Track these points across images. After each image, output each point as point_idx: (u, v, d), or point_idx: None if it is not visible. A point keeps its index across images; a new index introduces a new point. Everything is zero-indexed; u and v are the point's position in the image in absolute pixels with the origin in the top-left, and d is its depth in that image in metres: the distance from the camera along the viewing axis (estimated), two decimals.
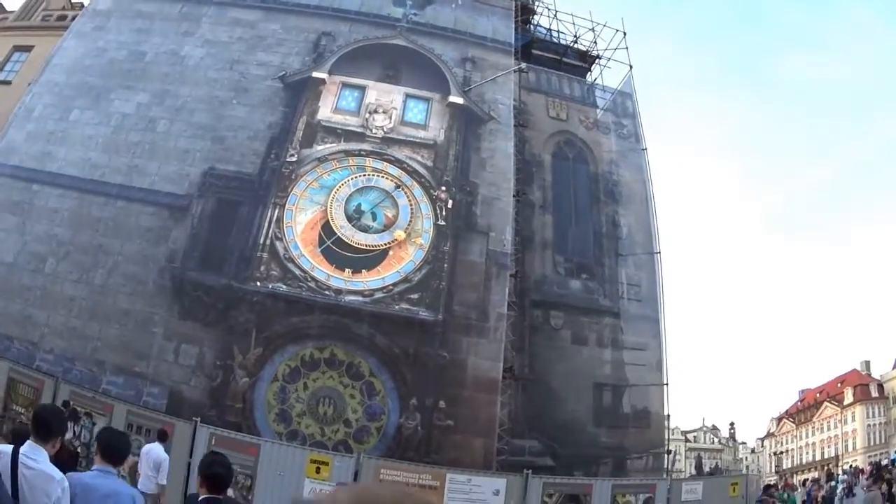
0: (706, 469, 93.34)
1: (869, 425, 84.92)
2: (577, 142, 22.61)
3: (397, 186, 18.60)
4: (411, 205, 18.52)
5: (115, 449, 4.74)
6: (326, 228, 18.15)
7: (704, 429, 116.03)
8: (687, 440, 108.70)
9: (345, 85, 20.00)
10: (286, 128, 19.17)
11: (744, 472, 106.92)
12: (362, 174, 18.79)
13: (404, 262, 17.97)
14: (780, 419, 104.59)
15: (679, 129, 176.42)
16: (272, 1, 21.25)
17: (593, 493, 15.97)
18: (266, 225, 18.09)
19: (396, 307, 17.69)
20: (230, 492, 9.50)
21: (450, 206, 18.57)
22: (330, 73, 19.99)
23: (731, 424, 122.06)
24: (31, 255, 18.67)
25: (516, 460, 18.07)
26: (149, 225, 18.54)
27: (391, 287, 17.74)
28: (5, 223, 19.28)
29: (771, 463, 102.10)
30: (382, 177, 18.79)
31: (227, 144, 19.08)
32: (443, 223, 18.43)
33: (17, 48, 23.95)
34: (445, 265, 18.03)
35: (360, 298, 17.67)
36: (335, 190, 18.50)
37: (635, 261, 21.64)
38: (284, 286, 17.67)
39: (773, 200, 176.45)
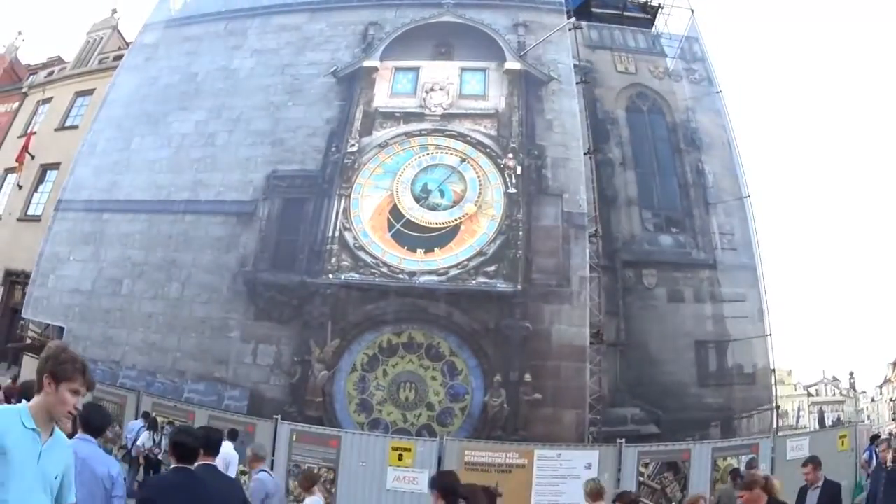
0: (828, 423, 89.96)
1: None
2: (650, 93, 22.57)
3: (462, 160, 18.92)
4: (479, 177, 18.82)
5: (91, 420, 5.47)
6: (395, 212, 18.68)
7: (825, 381, 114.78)
8: (809, 394, 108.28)
9: (398, 69, 20.72)
10: (344, 120, 19.89)
11: (865, 422, 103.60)
12: (425, 153, 19.21)
13: (477, 235, 18.25)
14: (895, 364, 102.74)
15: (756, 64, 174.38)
16: (316, 2, 22.53)
17: (692, 458, 15.89)
18: (333, 217, 18.80)
19: (473, 282, 17.91)
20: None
21: (519, 172, 18.70)
22: (381, 60, 20.80)
23: (851, 374, 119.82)
24: (108, 280, 20.25)
25: (617, 430, 17.78)
26: (218, 234, 19.59)
27: (466, 262, 18.05)
28: (81, 255, 21.02)
29: (889, 412, 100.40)
30: (446, 153, 19.19)
31: (287, 146, 19.97)
32: (513, 191, 18.56)
33: (80, 93, 26.10)
34: (520, 233, 18.19)
35: (435, 278, 18.03)
36: (400, 173, 19.01)
37: (725, 208, 21.13)
38: (357, 275, 18.22)
39: None
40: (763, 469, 16.22)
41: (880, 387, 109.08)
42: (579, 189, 18.75)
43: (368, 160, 19.46)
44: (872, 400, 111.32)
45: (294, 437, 16.31)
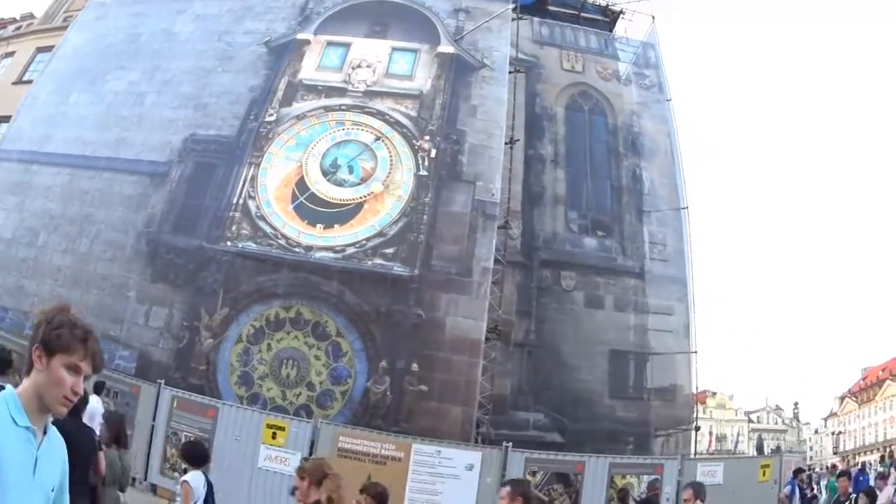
0: (767, 451, 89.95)
1: None
2: (594, 93, 21.48)
3: (377, 139, 17.79)
4: (391, 156, 17.73)
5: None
6: (301, 184, 17.66)
7: (767, 409, 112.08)
8: (750, 420, 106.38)
9: (329, 44, 19.79)
10: (267, 89, 19.00)
11: (807, 453, 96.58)
12: (341, 129, 18.23)
13: (380, 215, 17.09)
14: (842, 398, 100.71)
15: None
16: None
17: (585, 471, 14.35)
18: (240, 184, 17.88)
19: (369, 263, 16.80)
20: None
21: (433, 155, 17.68)
22: (315, 34, 19.87)
23: (795, 404, 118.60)
24: (27, 230, 19.43)
25: (518, 435, 16.49)
26: (130, 193, 18.56)
27: (364, 242, 16.93)
28: (6, 204, 20.23)
29: (832, 445, 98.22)
30: (362, 130, 18.17)
31: (209, 111, 19.10)
32: (425, 173, 17.49)
33: (40, 49, 25.74)
34: (425, 217, 17.07)
35: (331, 255, 16.93)
36: (312, 146, 18.03)
37: (659, 217, 19.91)
38: (254, 245, 17.23)
39: None
40: (667, 492, 14.67)
41: (825, 419, 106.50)
42: (495, 178, 17.46)
43: (283, 131, 18.49)
44: (816, 432, 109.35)
45: (175, 403, 15.08)
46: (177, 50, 20.62)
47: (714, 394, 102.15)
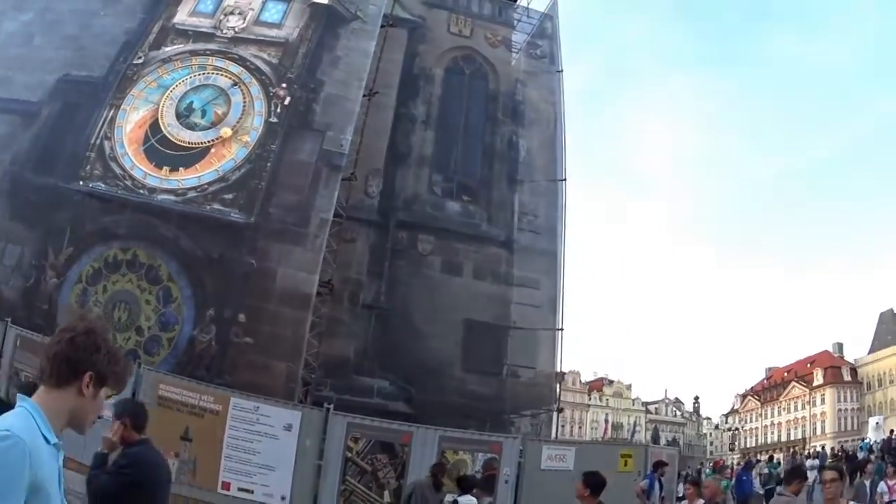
0: (663, 442, 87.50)
1: (840, 409, 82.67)
2: (479, 58, 20.11)
3: (234, 84, 16.74)
4: (245, 102, 16.72)
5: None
6: (154, 127, 16.74)
7: (666, 401, 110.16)
8: (648, 411, 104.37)
9: None
10: (140, 33, 18.12)
11: (707, 448, 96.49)
12: (202, 73, 17.28)
13: (225, 160, 16.06)
14: (744, 396, 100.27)
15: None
16: None
17: (413, 443, 12.96)
18: (100, 125, 17.00)
19: (207, 207, 15.79)
20: None
21: (287, 103, 16.65)
22: None
23: (696, 398, 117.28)
24: None
25: (362, 402, 15.45)
26: (2, 132, 18.74)
27: (206, 186, 15.92)
28: None
29: (729, 440, 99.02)
30: (221, 75, 17.20)
31: (86, 52, 18.12)
32: (275, 120, 16.47)
33: None
34: (268, 164, 16.02)
35: (173, 198, 15.96)
36: (171, 89, 17.10)
37: (533, 187, 18.58)
38: (103, 185, 16.31)
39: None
40: (506, 473, 13.24)
41: (726, 416, 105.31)
42: (346, 129, 16.18)
43: (147, 73, 17.57)
44: (717, 427, 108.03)
45: (18, 342, 14.15)
46: None
47: (611, 382, 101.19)
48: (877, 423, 42.89)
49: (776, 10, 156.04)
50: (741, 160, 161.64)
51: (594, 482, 6.46)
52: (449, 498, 11.08)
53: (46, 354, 2.22)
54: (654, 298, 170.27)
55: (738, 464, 39.72)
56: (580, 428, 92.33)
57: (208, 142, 16.45)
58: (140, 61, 17.70)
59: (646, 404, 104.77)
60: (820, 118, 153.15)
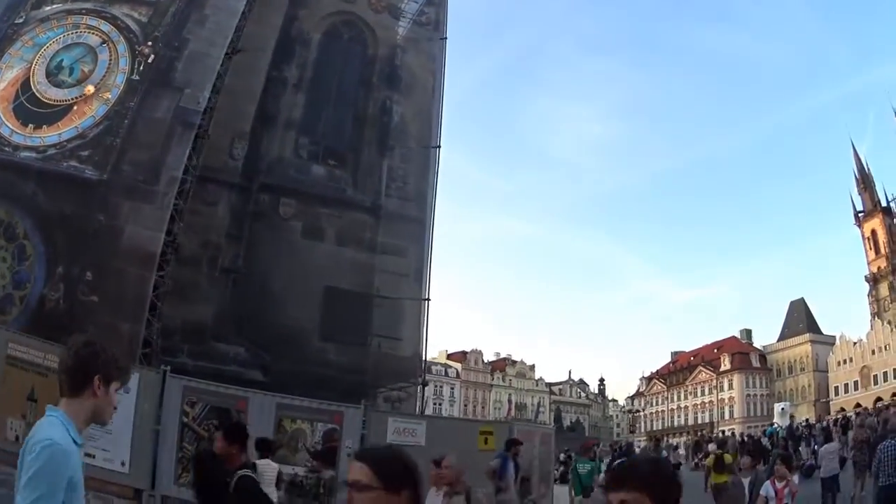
0: (566, 423, 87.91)
1: (748, 395, 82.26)
2: (359, 23, 18.95)
3: (103, 42, 16.02)
4: (111, 60, 15.85)
5: None
6: (24, 85, 15.87)
7: (571, 382, 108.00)
8: (552, 392, 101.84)
9: None
10: None
11: (614, 430, 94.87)
12: (75, 31, 16.40)
13: (85, 117, 15.21)
14: (650, 379, 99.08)
15: None
16: None
17: (249, 409, 11.76)
18: None
19: (65, 165, 14.95)
20: None
21: (150, 60, 15.82)
22: None
23: (601, 380, 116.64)
24: None
25: (217, 368, 14.58)
26: None
27: (66, 143, 15.03)
28: None
29: (632, 422, 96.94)
30: (93, 33, 16.29)
31: None
32: (137, 78, 15.59)
33: None
34: (126, 121, 15.12)
35: (34, 155, 15.11)
36: (45, 48, 16.29)
37: (404, 153, 17.42)
38: None
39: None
40: (349, 445, 12.17)
41: (632, 398, 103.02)
42: (205, 87, 15.12)
43: (26, 32, 16.79)
44: (623, 410, 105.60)
45: None
46: None
47: (514, 362, 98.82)
48: (782, 408, 40.74)
49: (698, 2, 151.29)
50: (650, 148, 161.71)
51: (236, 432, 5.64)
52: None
53: (60, 371, 2.60)
54: (556, 280, 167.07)
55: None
56: (483, 408, 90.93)
57: (72, 99, 15.72)
58: (21, 20, 17.05)
59: (549, 385, 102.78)
60: (734, 111, 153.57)
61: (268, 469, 9.09)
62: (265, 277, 16.01)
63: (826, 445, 16.08)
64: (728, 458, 14.99)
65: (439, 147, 17.20)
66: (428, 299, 16.69)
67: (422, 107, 18.23)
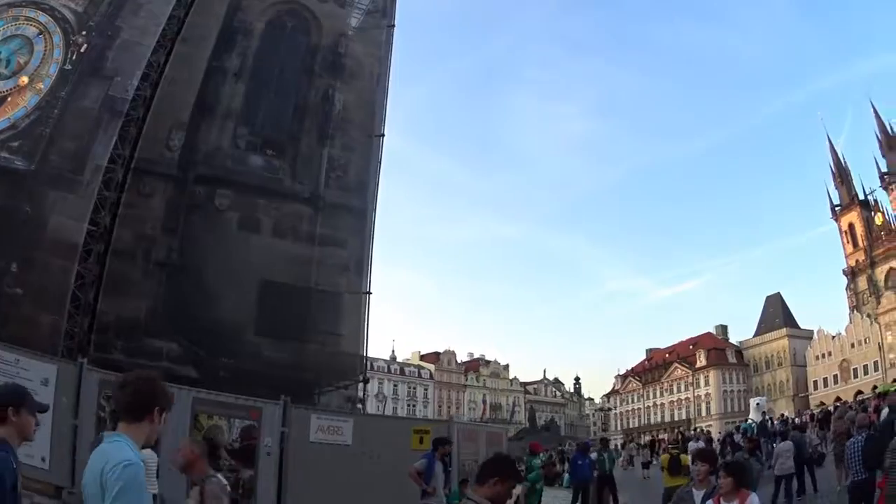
0: (540, 422, 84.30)
1: (725, 391, 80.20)
2: (304, 12, 18.01)
3: (39, 33, 15.33)
4: (46, 50, 15.10)
5: None
6: None
7: (545, 381, 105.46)
8: (527, 391, 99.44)
9: None
10: None
11: (591, 428, 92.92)
12: (14, 23, 15.56)
13: (18, 108, 14.51)
14: (625, 376, 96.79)
15: None
16: None
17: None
18: None
19: None
20: None
21: (83, 50, 15.09)
22: None
23: (577, 379, 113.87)
24: None
25: (150, 365, 14.11)
26: None
27: None
28: None
29: (611, 421, 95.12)
30: (31, 25, 15.51)
31: None
32: (69, 68, 14.88)
33: None
34: (56, 111, 14.37)
35: None
36: None
37: (346, 142, 16.48)
38: None
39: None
40: (268, 444, 11.36)
41: (607, 396, 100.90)
42: (135, 74, 14.39)
43: None
44: (599, 408, 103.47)
45: None
46: None
47: (488, 362, 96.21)
48: (757, 403, 38.61)
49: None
50: (627, 146, 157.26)
51: None
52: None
53: (121, 402, 2.92)
54: (530, 280, 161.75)
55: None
56: (457, 408, 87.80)
57: (7, 90, 14.99)
58: None
59: (524, 385, 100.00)
60: (711, 108, 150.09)
61: (151, 460, 8.40)
62: (200, 271, 15.20)
63: (781, 444, 14.83)
64: (685, 458, 13.15)
65: (383, 136, 16.47)
66: (369, 293, 15.96)
67: (366, 95, 17.39)
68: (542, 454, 17.81)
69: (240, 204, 15.65)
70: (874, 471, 8.20)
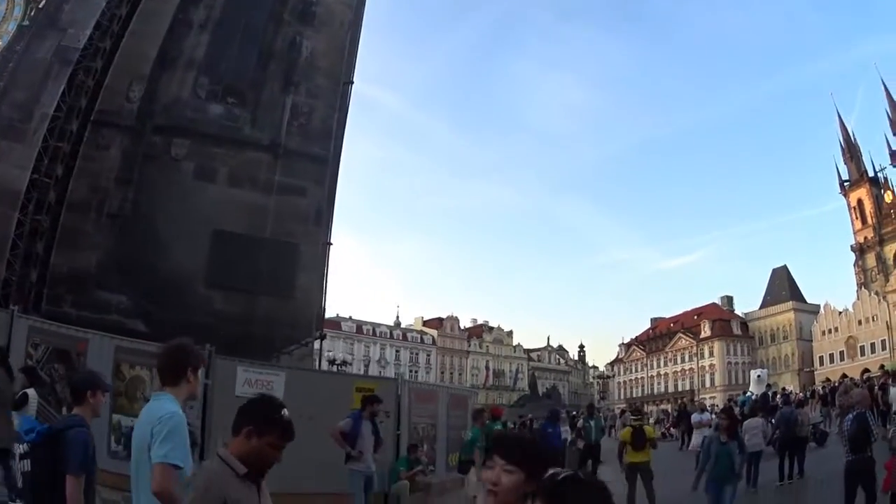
0: (542, 389, 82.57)
1: (729, 362, 76.80)
2: None
3: None
4: (6, 10, 14.68)
5: None
6: None
7: (549, 348, 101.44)
8: (530, 358, 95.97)
9: None
10: None
11: (595, 396, 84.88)
12: None
13: None
14: (629, 345, 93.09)
15: None
16: None
17: (88, 352, 10.13)
18: None
19: None
20: None
21: (41, 6, 14.53)
22: None
23: (581, 347, 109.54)
24: None
25: (99, 319, 12.84)
26: None
27: None
28: None
29: (613, 389, 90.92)
30: None
31: None
32: (27, 23, 14.37)
33: None
34: (10, 65, 13.91)
35: None
36: None
37: (310, 89, 15.64)
38: None
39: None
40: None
41: (611, 364, 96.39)
42: (88, 24, 13.84)
43: None
44: (603, 376, 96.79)
45: None
46: None
47: (492, 328, 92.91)
48: (758, 375, 35.47)
49: None
50: (634, 116, 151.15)
51: None
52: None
53: (161, 369, 3.37)
54: (535, 247, 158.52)
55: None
56: (460, 374, 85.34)
57: None
58: None
59: (528, 352, 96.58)
60: (720, 81, 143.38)
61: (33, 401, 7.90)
62: (152, 222, 14.59)
63: (749, 420, 13.76)
64: (650, 430, 12.03)
65: (352, 83, 15.70)
66: (329, 243, 15.27)
67: (336, 42, 16.52)
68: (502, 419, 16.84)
69: (197, 153, 15.03)
70: (863, 451, 7.67)
